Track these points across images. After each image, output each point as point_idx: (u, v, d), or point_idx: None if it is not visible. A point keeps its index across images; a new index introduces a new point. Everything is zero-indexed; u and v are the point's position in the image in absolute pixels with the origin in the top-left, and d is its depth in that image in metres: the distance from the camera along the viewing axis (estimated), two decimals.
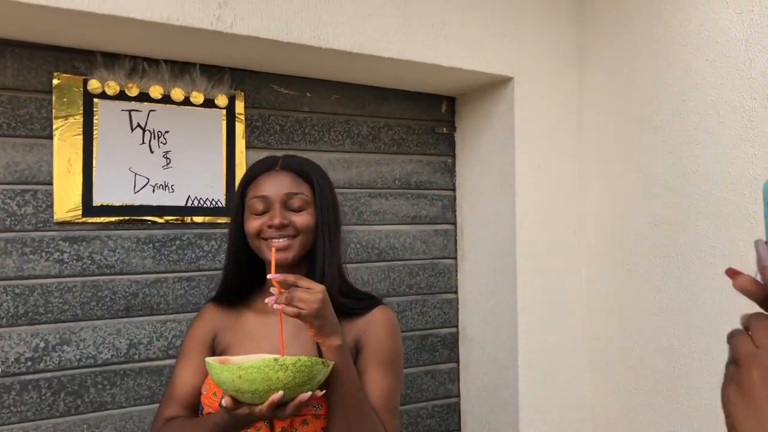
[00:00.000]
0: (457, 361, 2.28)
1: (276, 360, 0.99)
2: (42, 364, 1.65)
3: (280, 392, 1.00)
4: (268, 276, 1.10)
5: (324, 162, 2.01)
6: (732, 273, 0.57)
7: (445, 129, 2.28)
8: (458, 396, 2.27)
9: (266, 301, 1.10)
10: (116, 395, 1.73)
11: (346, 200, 2.07)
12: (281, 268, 1.18)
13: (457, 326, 2.28)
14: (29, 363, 1.63)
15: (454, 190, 2.29)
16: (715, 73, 1.70)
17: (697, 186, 1.75)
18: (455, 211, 2.29)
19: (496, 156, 2.11)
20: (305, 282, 1.10)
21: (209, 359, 1.05)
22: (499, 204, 2.09)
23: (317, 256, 1.24)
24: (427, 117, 2.25)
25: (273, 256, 1.14)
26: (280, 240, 1.22)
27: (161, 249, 1.80)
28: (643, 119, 1.91)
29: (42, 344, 1.65)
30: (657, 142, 1.87)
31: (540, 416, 2.04)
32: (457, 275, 2.29)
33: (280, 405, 1.03)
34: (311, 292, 1.08)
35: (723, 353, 0.57)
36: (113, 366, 1.73)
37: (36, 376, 1.64)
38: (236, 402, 1.04)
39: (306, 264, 1.26)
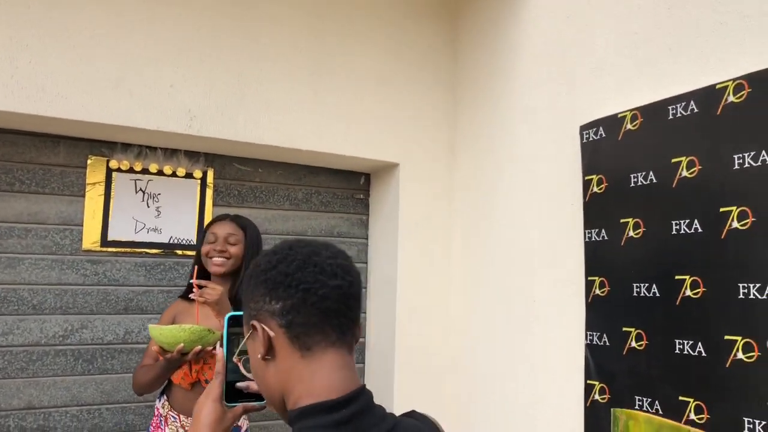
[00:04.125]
0: (363, 363, 3.13)
1: (181, 326, 1.90)
2: (69, 340, 2.58)
3: (182, 344, 1.90)
4: (191, 281, 2.04)
5: (269, 216, 2.94)
6: None
7: (362, 195, 3.19)
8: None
9: (190, 296, 2.03)
10: (115, 364, 2.65)
11: None
12: (217, 276, 2.13)
13: (364, 337, 3.15)
14: (60, 338, 2.57)
15: (367, 239, 3.19)
16: (554, 158, 2.58)
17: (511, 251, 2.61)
18: (367, 254, 3.19)
19: (391, 218, 3.00)
20: (211, 284, 2.01)
21: (150, 325, 1.96)
22: (390, 250, 2.98)
23: (240, 273, 2.18)
24: (350, 187, 3.17)
25: (194, 273, 2.09)
26: (219, 258, 2.16)
27: (151, 270, 2.73)
28: (496, 203, 2.79)
29: (69, 327, 2.59)
30: (502, 221, 2.74)
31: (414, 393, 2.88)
32: (367, 300, 3.16)
33: (184, 353, 1.93)
34: (214, 290, 2.00)
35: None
36: (114, 345, 2.65)
37: (64, 347, 2.58)
38: (163, 350, 1.94)
39: (232, 277, 2.20)
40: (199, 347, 1.94)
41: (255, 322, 0.94)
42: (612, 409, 2.00)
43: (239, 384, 1.07)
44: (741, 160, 1.67)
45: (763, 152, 1.62)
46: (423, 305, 2.94)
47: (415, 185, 2.96)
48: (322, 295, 0.90)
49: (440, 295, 2.98)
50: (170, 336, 1.89)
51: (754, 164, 1.64)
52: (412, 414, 1.06)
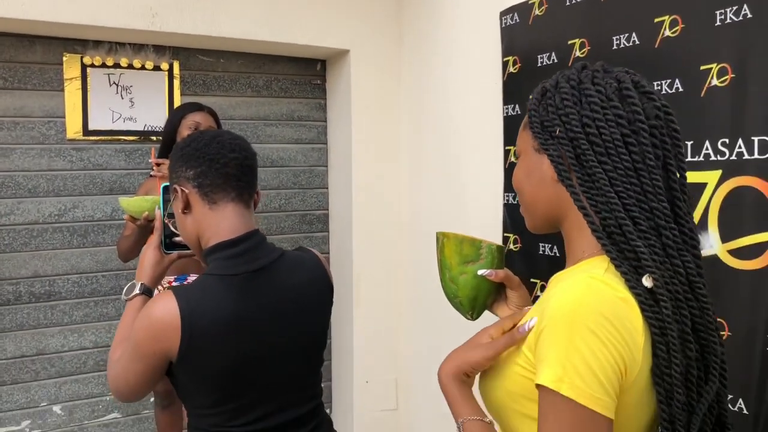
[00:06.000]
0: (328, 231, 3.55)
1: (143, 197, 2.26)
2: (63, 218, 2.96)
3: (146, 212, 2.27)
4: (150, 160, 2.38)
5: (233, 103, 3.25)
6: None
7: (319, 81, 3.48)
8: (329, 252, 3.55)
9: (150, 173, 2.38)
10: (106, 238, 3.04)
11: (248, 127, 3.31)
12: None
13: (327, 209, 3.55)
14: (56, 217, 2.94)
15: (325, 121, 3.51)
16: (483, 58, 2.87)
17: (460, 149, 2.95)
18: (326, 135, 3.52)
19: (345, 101, 3.30)
20: (166, 161, 2.35)
21: (120, 197, 2.31)
22: (346, 130, 3.31)
23: None
24: (307, 73, 3.46)
25: (153, 153, 2.43)
26: None
27: (130, 155, 3.07)
28: (435, 84, 3.09)
29: (63, 207, 2.96)
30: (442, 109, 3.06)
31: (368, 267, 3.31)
32: (328, 177, 3.53)
33: (150, 220, 2.30)
34: None
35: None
36: (104, 222, 3.04)
37: (60, 225, 2.96)
38: (132, 218, 2.31)
39: None
40: (160, 211, 2.31)
41: (176, 186, 1.30)
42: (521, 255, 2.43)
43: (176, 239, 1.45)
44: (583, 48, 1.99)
45: (634, 34, 1.94)
46: (376, 178, 3.30)
47: (365, 70, 3.25)
48: (223, 164, 1.27)
49: (391, 168, 3.34)
50: (136, 206, 2.25)
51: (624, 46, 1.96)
52: (299, 248, 1.44)
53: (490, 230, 2.60)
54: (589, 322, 0.76)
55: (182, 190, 1.29)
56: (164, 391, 2.76)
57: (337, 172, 3.46)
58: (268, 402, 1.29)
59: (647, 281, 0.79)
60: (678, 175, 0.86)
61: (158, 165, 2.36)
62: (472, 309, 1.17)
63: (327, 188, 3.54)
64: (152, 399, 2.99)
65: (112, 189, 3.04)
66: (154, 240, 1.42)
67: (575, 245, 0.91)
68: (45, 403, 2.96)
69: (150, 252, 1.40)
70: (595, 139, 0.85)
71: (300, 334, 1.33)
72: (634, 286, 0.79)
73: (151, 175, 2.61)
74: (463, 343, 0.97)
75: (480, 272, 1.12)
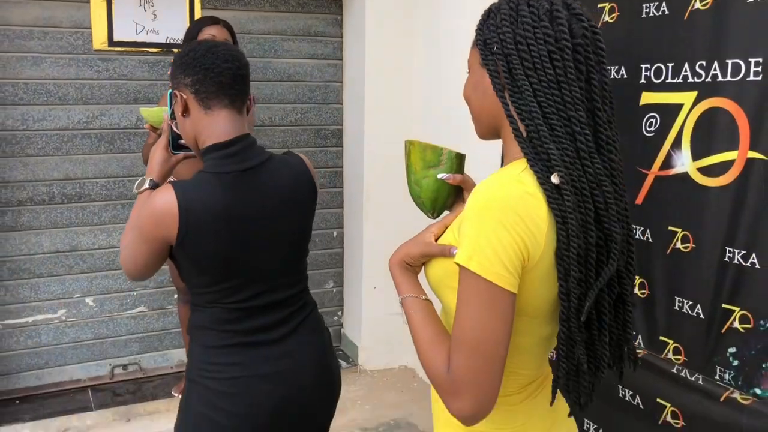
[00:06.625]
0: (341, 146, 3.70)
1: (161, 107, 2.41)
2: (91, 125, 3.15)
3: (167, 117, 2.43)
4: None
5: (251, 17, 3.35)
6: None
7: None
8: (342, 167, 3.72)
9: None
10: (131, 145, 3.23)
11: (266, 42, 3.42)
12: None
13: (341, 125, 3.68)
14: (84, 124, 3.14)
15: (341, 37, 3.60)
16: None
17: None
18: (342, 51, 3.61)
19: (360, 16, 3.38)
20: None
21: (140, 107, 2.47)
22: (360, 47, 3.40)
23: None
24: None
25: None
26: None
27: (153, 67, 3.22)
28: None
29: (90, 115, 3.14)
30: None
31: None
32: (342, 93, 3.65)
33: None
34: None
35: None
36: (129, 129, 3.23)
37: (89, 131, 3.15)
38: (153, 128, 2.47)
39: None
40: (169, 120, 2.47)
41: (176, 92, 1.45)
42: None
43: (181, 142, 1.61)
44: None
45: None
46: (389, 95, 3.41)
47: None
48: (217, 73, 1.41)
49: (404, 85, 3.44)
50: (155, 115, 2.40)
51: None
52: (287, 152, 1.60)
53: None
54: (497, 212, 0.91)
55: (181, 96, 1.44)
56: (186, 288, 3.00)
57: (351, 88, 3.57)
58: (258, 283, 1.47)
59: (555, 178, 0.93)
60: (601, 88, 0.99)
61: None
62: (433, 209, 1.33)
63: (341, 104, 3.66)
64: (176, 296, 3.25)
65: (136, 99, 3.21)
66: (162, 141, 1.58)
67: (508, 151, 1.05)
68: (78, 295, 3.25)
69: (159, 151, 1.57)
70: (525, 55, 0.97)
71: (284, 226, 1.50)
72: (543, 182, 0.94)
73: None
74: (413, 237, 1.13)
75: (440, 176, 1.26)
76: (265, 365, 1.49)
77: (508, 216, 0.91)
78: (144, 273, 1.47)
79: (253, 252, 1.44)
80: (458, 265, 0.93)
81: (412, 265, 1.12)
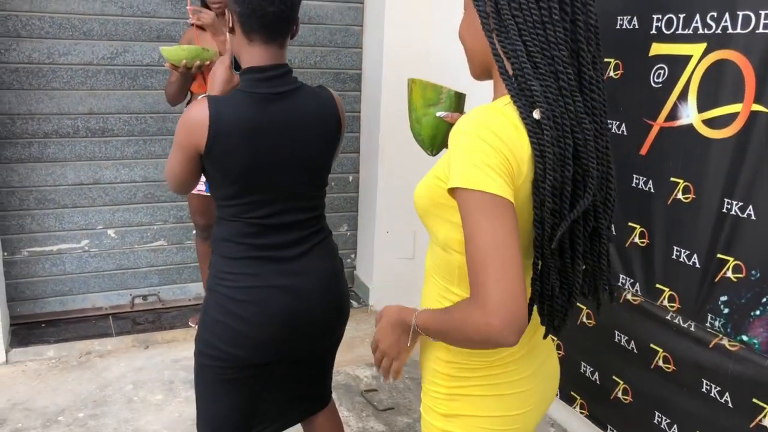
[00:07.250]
0: (360, 91, 3.73)
1: (181, 46, 2.47)
2: (115, 61, 3.22)
3: (184, 61, 2.46)
4: (187, 7, 2.57)
5: None
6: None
7: None
8: (360, 111, 3.75)
9: (188, 21, 2.57)
10: (154, 83, 3.30)
11: None
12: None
13: (360, 69, 3.70)
14: (108, 60, 3.21)
15: None
16: None
17: None
18: None
19: None
20: (204, 9, 2.55)
21: (161, 47, 2.52)
22: None
23: None
24: None
25: (189, 1, 2.60)
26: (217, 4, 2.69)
27: (176, 5, 3.26)
28: None
29: (114, 51, 3.21)
30: None
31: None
32: (363, 37, 3.66)
33: (189, 68, 2.50)
34: (207, 14, 2.54)
35: None
36: (152, 67, 3.29)
37: (112, 67, 3.22)
38: (174, 66, 2.52)
39: None
40: (198, 62, 2.52)
41: (228, 12, 1.53)
42: None
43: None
44: None
45: None
46: (407, 41, 3.42)
47: None
48: (262, 15, 1.47)
49: (423, 31, 3.44)
50: (174, 54, 2.46)
51: None
52: (319, 86, 1.66)
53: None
54: (481, 134, 0.97)
55: (232, 16, 1.53)
56: (204, 225, 3.10)
57: (371, 33, 3.58)
58: (276, 203, 1.58)
59: (536, 114, 0.98)
60: (586, 29, 1.02)
61: (194, 13, 2.55)
62: (432, 146, 1.38)
63: (361, 48, 3.68)
64: (194, 231, 3.36)
65: (159, 36, 3.26)
66: (225, 60, 1.65)
67: (496, 89, 1.10)
68: (101, 227, 3.37)
69: (221, 70, 1.62)
70: None
71: (306, 151, 1.59)
72: (525, 117, 0.98)
73: (190, 24, 2.80)
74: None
75: (438, 114, 1.31)
76: (278, 279, 1.60)
77: (493, 139, 0.96)
78: (181, 182, 1.59)
79: (274, 169, 1.54)
80: (456, 189, 0.97)
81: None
